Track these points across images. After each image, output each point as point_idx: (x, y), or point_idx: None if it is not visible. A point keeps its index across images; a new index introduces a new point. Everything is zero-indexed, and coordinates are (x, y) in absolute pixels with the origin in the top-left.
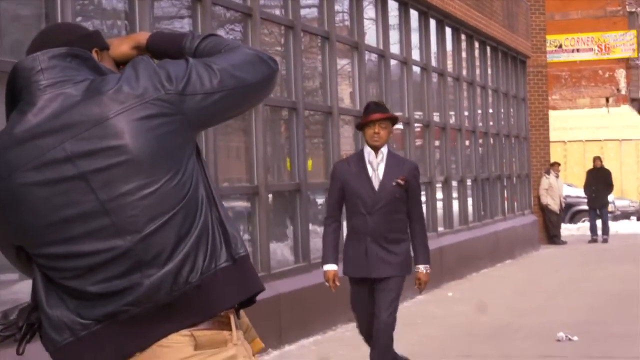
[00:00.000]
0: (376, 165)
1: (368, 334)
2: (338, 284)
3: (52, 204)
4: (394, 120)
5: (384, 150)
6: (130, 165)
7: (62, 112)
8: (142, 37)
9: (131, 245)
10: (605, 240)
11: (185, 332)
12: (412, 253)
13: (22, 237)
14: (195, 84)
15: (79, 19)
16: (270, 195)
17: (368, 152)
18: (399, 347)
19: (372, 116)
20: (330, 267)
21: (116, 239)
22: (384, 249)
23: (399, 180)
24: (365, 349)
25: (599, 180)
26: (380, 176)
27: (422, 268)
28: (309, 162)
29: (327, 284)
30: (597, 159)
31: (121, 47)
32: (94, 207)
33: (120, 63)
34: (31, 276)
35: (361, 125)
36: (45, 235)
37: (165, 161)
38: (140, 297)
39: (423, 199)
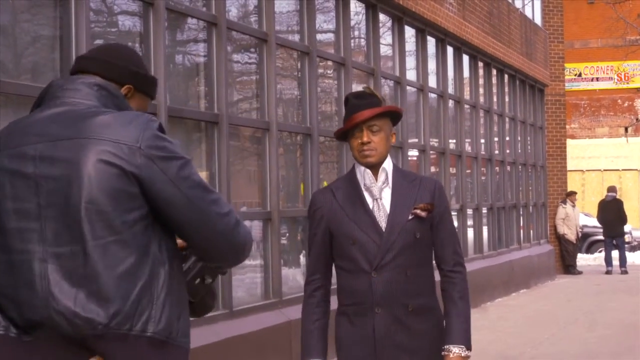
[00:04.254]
0: (378, 192)
1: None
2: None
3: (4, 190)
4: (394, 114)
5: (388, 166)
6: (73, 183)
7: (58, 121)
8: None
9: (46, 256)
10: (624, 272)
11: None
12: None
13: None
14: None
15: (97, 41)
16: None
17: (362, 173)
18: None
19: (354, 118)
20: None
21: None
22: (404, 328)
23: (418, 211)
24: None
25: (609, 211)
26: (387, 208)
27: (455, 351)
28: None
29: None
30: (610, 189)
31: None
32: (33, 208)
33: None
34: None
35: (341, 135)
36: None
37: None
38: (45, 318)
39: None
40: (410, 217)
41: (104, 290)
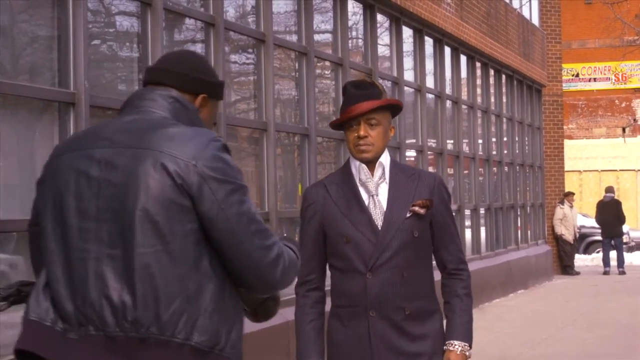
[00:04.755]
0: (374, 188)
1: None
2: None
3: (69, 188)
4: (394, 107)
5: (385, 161)
6: (129, 190)
7: (128, 129)
8: None
9: (101, 255)
10: (621, 273)
11: None
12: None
13: (43, 206)
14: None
15: (94, 41)
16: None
17: (357, 167)
18: None
19: (351, 110)
20: None
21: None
22: (402, 333)
23: (417, 208)
24: None
25: (608, 212)
26: (384, 204)
27: (458, 347)
28: None
29: None
30: (608, 189)
31: None
32: (92, 209)
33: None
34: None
35: (336, 126)
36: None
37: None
38: (95, 316)
39: None
40: (408, 215)
41: (149, 295)
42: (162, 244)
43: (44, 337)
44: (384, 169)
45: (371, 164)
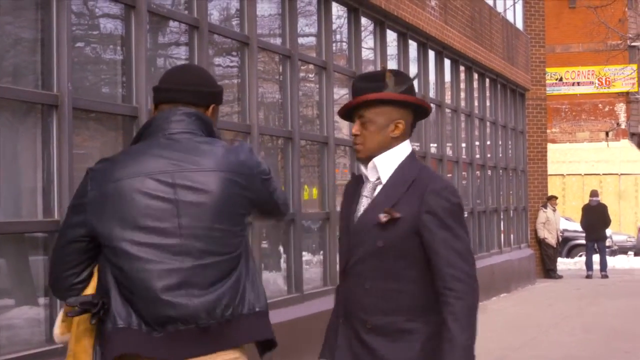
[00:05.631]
0: (370, 189)
1: None
2: None
3: (142, 210)
4: (397, 102)
5: (382, 161)
6: (209, 208)
7: (179, 150)
8: None
9: (184, 266)
10: (604, 276)
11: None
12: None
13: (110, 228)
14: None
15: (78, 44)
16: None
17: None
18: None
19: (347, 104)
20: None
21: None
22: (365, 347)
23: (382, 215)
24: None
25: (594, 215)
26: (362, 208)
27: None
28: (307, 191)
29: None
30: (593, 193)
31: None
32: (173, 227)
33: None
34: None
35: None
36: (125, 233)
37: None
38: (184, 315)
39: None
40: (375, 222)
41: (219, 291)
42: (233, 248)
43: (134, 340)
44: (377, 171)
45: (365, 164)
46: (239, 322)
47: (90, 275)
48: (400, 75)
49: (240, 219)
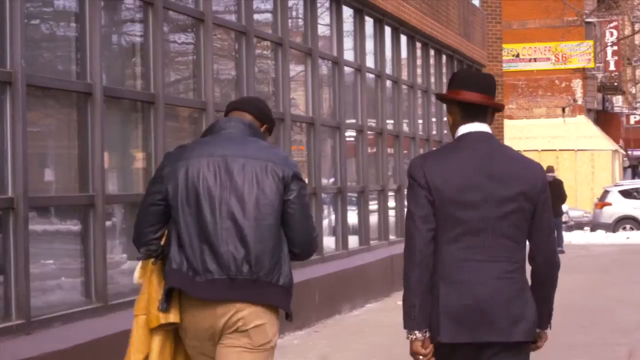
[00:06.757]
0: None
1: None
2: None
3: (201, 182)
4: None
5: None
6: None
7: (232, 143)
8: None
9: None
10: (561, 252)
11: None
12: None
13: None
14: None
15: (33, 21)
16: None
17: None
18: (346, 355)
19: (461, 94)
20: None
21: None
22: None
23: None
24: None
25: (551, 191)
26: None
27: None
28: None
29: None
30: (549, 169)
31: None
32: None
33: None
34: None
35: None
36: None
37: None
38: (218, 268)
39: (371, 207)
40: None
41: (260, 253)
42: (267, 218)
43: (182, 279)
44: None
45: None
46: (262, 287)
47: (163, 235)
48: None
49: (280, 198)
